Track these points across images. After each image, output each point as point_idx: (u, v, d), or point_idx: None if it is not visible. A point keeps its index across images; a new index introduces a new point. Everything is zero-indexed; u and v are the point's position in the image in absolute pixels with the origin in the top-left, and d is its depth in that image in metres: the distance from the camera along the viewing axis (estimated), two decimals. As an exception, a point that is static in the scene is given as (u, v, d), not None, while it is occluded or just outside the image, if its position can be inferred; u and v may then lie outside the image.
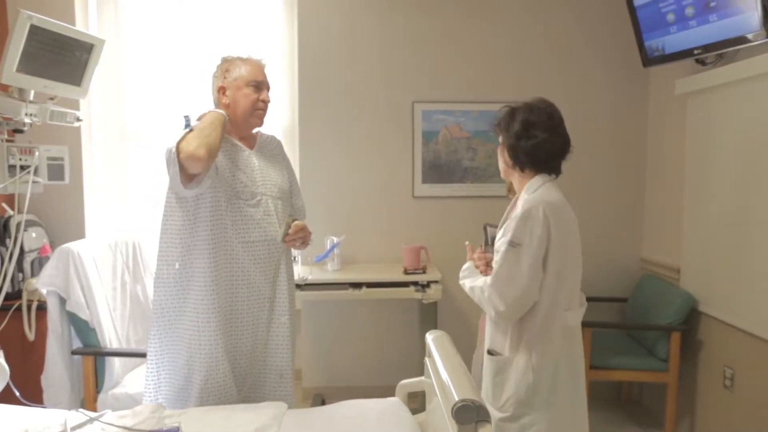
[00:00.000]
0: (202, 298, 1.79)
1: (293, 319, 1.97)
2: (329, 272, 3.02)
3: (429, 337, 1.61)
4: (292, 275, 2.01)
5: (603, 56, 3.28)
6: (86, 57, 2.60)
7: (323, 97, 3.21)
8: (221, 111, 1.81)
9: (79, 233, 3.05)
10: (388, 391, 3.37)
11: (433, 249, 3.15)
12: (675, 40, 2.62)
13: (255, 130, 2.00)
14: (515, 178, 1.69)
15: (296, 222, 1.92)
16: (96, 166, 3.21)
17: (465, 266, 1.73)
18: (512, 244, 1.53)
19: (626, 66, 3.24)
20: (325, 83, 3.21)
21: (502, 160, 1.69)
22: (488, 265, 1.68)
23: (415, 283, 2.90)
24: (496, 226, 1.75)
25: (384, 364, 3.35)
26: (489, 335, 1.69)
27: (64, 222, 3.07)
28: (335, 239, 3.05)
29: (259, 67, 1.91)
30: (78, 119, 2.69)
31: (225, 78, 1.89)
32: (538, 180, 1.62)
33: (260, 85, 1.88)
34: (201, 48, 3.20)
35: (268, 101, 1.91)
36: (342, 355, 3.33)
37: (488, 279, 1.59)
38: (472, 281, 1.66)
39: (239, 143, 1.92)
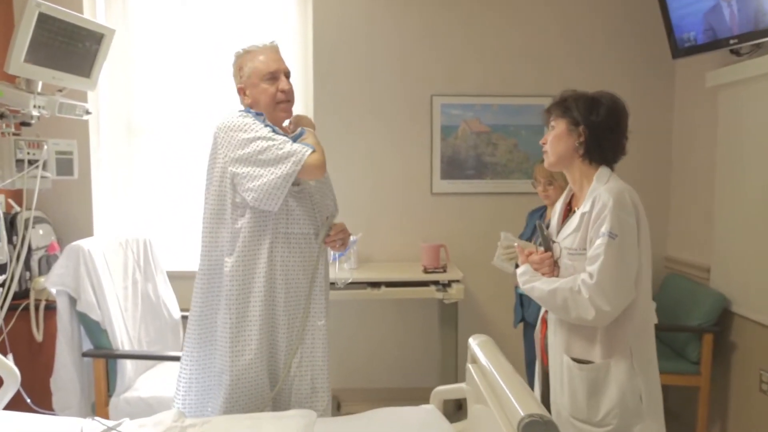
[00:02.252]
0: (240, 290, 1.72)
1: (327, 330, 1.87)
2: (346, 271, 2.92)
3: (473, 342, 1.50)
4: (328, 277, 1.91)
5: (625, 49, 3.17)
6: (96, 47, 2.50)
7: (338, 91, 3.11)
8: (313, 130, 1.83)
9: (87, 231, 2.96)
10: (405, 394, 3.30)
11: (452, 247, 3.05)
12: (709, 29, 2.52)
13: (286, 123, 1.89)
14: (575, 168, 1.56)
15: (338, 222, 1.84)
16: (103, 161, 3.11)
17: (521, 270, 1.59)
18: (612, 235, 1.39)
19: (650, 58, 3.14)
20: (340, 76, 3.11)
21: (564, 147, 1.54)
22: (552, 266, 1.56)
23: (436, 283, 2.80)
24: (548, 225, 1.65)
25: (402, 366, 3.25)
26: (563, 342, 1.54)
27: (72, 219, 2.97)
28: (352, 237, 2.93)
29: (270, 54, 1.78)
30: (87, 112, 2.59)
31: (241, 77, 1.80)
32: (606, 170, 1.53)
33: (275, 75, 1.76)
34: (211, 40, 3.10)
35: (288, 88, 1.78)
36: (358, 356, 3.24)
37: (585, 278, 1.42)
38: (549, 284, 1.49)
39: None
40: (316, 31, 3.08)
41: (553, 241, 1.57)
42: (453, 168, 3.18)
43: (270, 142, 1.65)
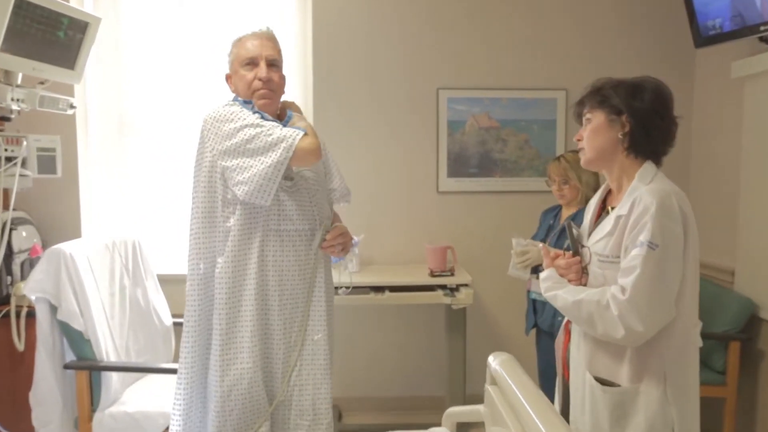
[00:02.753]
0: (229, 293, 1.59)
1: (331, 341, 1.73)
2: (347, 274, 2.76)
3: (494, 361, 1.34)
4: (332, 285, 1.76)
5: (642, 38, 3.00)
6: (80, 37, 2.35)
7: (339, 85, 2.95)
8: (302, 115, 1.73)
9: (74, 232, 2.81)
10: (409, 403, 3.14)
11: (459, 248, 2.89)
12: (737, 16, 2.35)
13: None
14: (615, 165, 1.38)
15: (336, 225, 1.69)
16: (92, 159, 2.96)
17: (545, 274, 1.42)
18: (652, 245, 1.22)
19: (668, 48, 2.98)
20: (341, 69, 2.94)
21: (605, 140, 1.36)
22: (580, 273, 1.39)
23: (443, 287, 2.64)
24: (578, 225, 1.48)
25: (406, 374, 3.09)
26: (586, 357, 1.37)
27: (59, 220, 2.82)
28: (354, 238, 2.77)
29: (252, 40, 1.65)
30: (72, 106, 2.45)
31: (229, 64, 1.71)
32: (651, 167, 1.35)
33: (254, 61, 1.62)
34: (206, 33, 2.94)
35: (265, 76, 1.61)
36: (360, 363, 3.08)
37: (616, 292, 1.24)
38: (574, 293, 1.32)
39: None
40: (315, 22, 2.92)
41: (583, 245, 1.40)
42: (460, 165, 3.01)
43: (257, 129, 1.52)
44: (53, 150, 2.32)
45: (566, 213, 2.29)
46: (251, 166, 1.50)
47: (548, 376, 2.34)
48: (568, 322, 1.46)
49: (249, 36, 1.66)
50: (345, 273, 2.68)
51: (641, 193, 1.29)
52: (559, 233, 2.24)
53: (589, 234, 1.43)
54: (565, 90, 3.00)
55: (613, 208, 1.38)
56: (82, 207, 2.88)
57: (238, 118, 1.54)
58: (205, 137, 1.59)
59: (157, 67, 2.95)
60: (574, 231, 1.42)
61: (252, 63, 1.62)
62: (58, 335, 2.09)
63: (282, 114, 1.73)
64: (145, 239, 2.60)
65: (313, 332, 1.66)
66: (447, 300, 2.57)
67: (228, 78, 1.70)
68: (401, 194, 3.02)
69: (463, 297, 2.56)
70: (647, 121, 1.33)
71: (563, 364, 1.48)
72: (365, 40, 2.95)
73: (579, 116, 1.45)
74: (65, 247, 2.10)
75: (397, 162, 3.01)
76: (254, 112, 1.58)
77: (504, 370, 1.27)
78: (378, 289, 2.63)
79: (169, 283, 2.66)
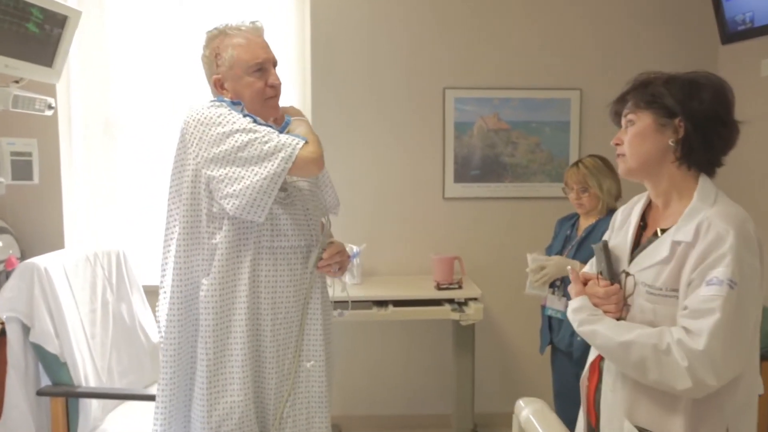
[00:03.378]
0: (217, 318, 1.42)
1: (330, 367, 1.56)
2: (348, 286, 2.57)
3: (524, 409, 1.14)
4: (329, 306, 1.59)
5: (660, 35, 2.82)
6: (58, 32, 2.17)
7: (339, 84, 2.77)
8: (302, 117, 1.57)
9: (56, 242, 2.63)
10: (412, 421, 2.97)
11: (466, 259, 2.71)
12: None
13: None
14: (663, 176, 1.18)
15: (332, 243, 1.53)
16: (76, 163, 2.78)
17: (576, 304, 1.21)
18: (732, 284, 1.02)
19: (688, 45, 2.80)
20: (341, 67, 2.77)
21: (652, 148, 1.16)
22: (621, 304, 1.18)
23: (450, 301, 2.47)
24: (606, 244, 1.28)
25: (409, 391, 2.92)
26: (625, 402, 1.16)
27: (40, 229, 2.65)
28: (355, 248, 2.61)
29: (255, 40, 1.47)
30: (50, 107, 2.26)
31: (218, 65, 1.48)
32: (709, 184, 1.16)
33: (264, 66, 1.46)
34: (198, 27, 2.75)
35: (279, 83, 1.50)
36: (361, 380, 2.90)
37: (684, 338, 1.03)
38: (620, 331, 1.09)
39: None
40: (313, 17, 2.74)
41: (627, 272, 1.20)
42: (468, 170, 2.84)
43: (252, 135, 1.35)
44: (29, 154, 2.15)
45: (585, 223, 2.11)
46: (243, 177, 1.33)
47: (564, 397, 2.16)
48: (598, 359, 1.26)
49: (243, 32, 1.46)
50: (340, 287, 2.50)
51: (710, 217, 1.09)
52: (578, 245, 2.07)
53: (630, 257, 1.22)
54: (579, 90, 2.82)
55: (663, 230, 1.17)
56: (66, 215, 2.70)
57: (228, 122, 1.37)
58: (188, 142, 1.41)
59: (145, 66, 2.77)
60: (610, 253, 1.23)
61: (261, 69, 1.46)
62: (31, 358, 1.92)
63: (279, 119, 1.55)
64: (132, 248, 2.43)
65: (306, 359, 1.50)
66: (455, 315, 2.40)
67: (218, 83, 1.49)
68: (405, 201, 2.84)
69: (473, 312, 2.39)
70: (706, 127, 1.13)
71: (590, 406, 1.28)
72: (366, 36, 2.77)
73: (617, 116, 1.26)
74: (39, 261, 1.93)
75: (401, 166, 2.83)
76: (244, 115, 1.41)
77: (538, 422, 1.08)
78: (381, 303, 2.46)
79: (156, 294, 2.48)
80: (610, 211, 2.06)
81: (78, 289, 2.07)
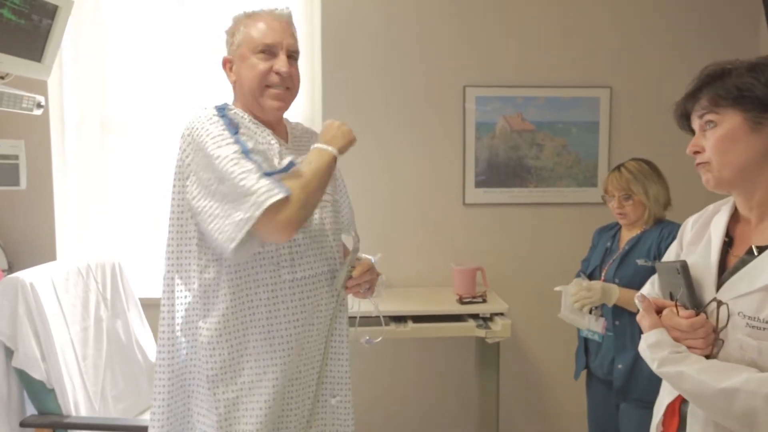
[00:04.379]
0: (224, 370, 1.21)
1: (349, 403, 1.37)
2: (363, 301, 2.38)
3: None
4: (346, 334, 1.37)
5: (694, 26, 2.64)
6: (48, 23, 1.98)
7: (351, 81, 2.59)
8: (329, 149, 1.21)
9: (47, 253, 2.44)
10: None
11: (488, 269, 2.52)
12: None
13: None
14: (759, 185, 0.99)
15: (363, 259, 1.34)
16: (70, 166, 2.59)
17: (653, 338, 1.00)
18: None
19: (726, 34, 2.61)
20: (353, 63, 2.58)
21: (747, 153, 0.97)
22: (711, 339, 0.97)
23: (474, 316, 2.28)
24: (685, 264, 1.07)
25: (427, 414, 2.72)
26: None
27: (29, 239, 2.46)
28: (371, 259, 2.41)
29: (273, 22, 1.28)
30: (39, 105, 2.07)
31: (230, 46, 1.32)
32: None
33: (273, 49, 1.26)
34: (200, 20, 2.57)
35: (286, 71, 1.26)
36: (375, 400, 2.70)
37: None
38: (717, 376, 0.90)
39: (271, 132, 1.31)
40: (324, 9, 2.56)
41: (719, 301, 0.99)
42: (490, 173, 2.65)
43: (233, 167, 1.11)
44: (15, 157, 1.96)
45: (627, 235, 1.91)
46: (217, 216, 1.12)
47: (600, 426, 1.97)
48: (678, 401, 1.05)
49: (265, 14, 1.29)
50: (372, 306, 2.30)
51: None
52: (620, 260, 1.87)
53: (718, 283, 1.01)
54: (609, 88, 2.63)
55: (760, 248, 0.97)
56: (57, 223, 2.51)
57: (220, 142, 1.15)
58: (187, 154, 1.20)
59: (145, 62, 2.59)
60: (690, 276, 1.02)
61: (269, 51, 1.26)
62: (14, 385, 1.73)
63: (279, 128, 1.33)
64: (129, 260, 2.25)
65: (331, 394, 1.32)
66: (481, 333, 2.20)
67: (227, 63, 1.31)
68: (422, 207, 2.65)
69: (500, 329, 2.19)
70: None
71: None
72: (380, 30, 2.58)
73: (686, 118, 1.07)
74: (25, 275, 1.74)
75: (418, 170, 2.64)
76: (233, 134, 1.15)
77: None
78: (399, 318, 2.26)
79: (155, 308, 2.28)
80: (658, 222, 1.86)
81: (68, 306, 1.88)
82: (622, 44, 2.63)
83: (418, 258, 2.65)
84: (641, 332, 1.76)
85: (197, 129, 1.18)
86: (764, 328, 0.91)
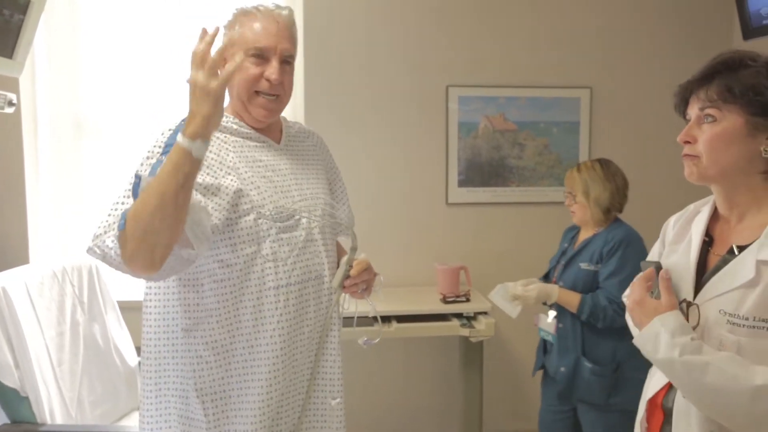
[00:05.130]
0: (206, 377, 1.17)
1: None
2: (347, 301, 2.37)
3: None
4: (338, 335, 1.31)
5: (672, 30, 2.68)
6: (20, 18, 1.91)
7: (334, 81, 2.57)
8: (184, 142, 0.98)
9: (19, 257, 2.37)
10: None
11: (471, 268, 2.52)
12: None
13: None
14: (741, 187, 1.00)
15: (361, 258, 1.27)
16: (43, 167, 2.52)
17: (674, 321, 0.95)
18: None
19: (703, 40, 2.66)
20: (336, 63, 2.56)
21: (738, 155, 0.96)
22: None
23: (458, 315, 2.28)
24: (659, 265, 1.06)
25: (411, 413, 2.71)
26: None
27: (1, 242, 2.38)
28: (380, 277, 2.40)
29: (270, 24, 1.20)
30: (11, 103, 2.01)
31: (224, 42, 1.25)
32: None
33: (265, 54, 1.19)
34: (176, 19, 2.52)
35: (277, 78, 1.19)
36: (359, 400, 2.68)
37: None
38: (750, 373, 0.87)
39: (260, 136, 1.26)
40: (306, 9, 2.53)
41: (688, 302, 0.99)
42: (472, 173, 2.65)
43: (124, 190, 1.10)
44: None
45: (583, 235, 1.92)
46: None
47: (547, 425, 1.98)
48: (661, 395, 1.05)
49: (264, 15, 1.21)
50: (368, 307, 2.27)
51: None
52: (567, 263, 1.89)
53: (697, 281, 1.02)
54: (589, 88, 2.67)
55: (740, 248, 0.98)
56: (31, 226, 2.44)
57: (142, 159, 1.14)
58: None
59: (122, 60, 2.53)
60: (665, 277, 1.01)
61: (261, 56, 1.19)
62: (-14, 393, 1.67)
63: (270, 130, 1.27)
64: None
65: (332, 396, 1.27)
66: (465, 332, 2.21)
67: (222, 62, 1.26)
68: (405, 207, 2.65)
69: (483, 328, 2.21)
70: None
71: None
72: (364, 30, 2.57)
73: (685, 104, 1.04)
74: (-4, 279, 1.68)
75: (401, 170, 2.63)
76: (163, 153, 1.08)
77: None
78: (383, 318, 2.25)
79: (134, 311, 2.23)
80: (616, 222, 1.87)
81: (43, 310, 1.83)
82: (602, 46, 2.67)
83: (401, 258, 2.64)
84: (582, 336, 1.77)
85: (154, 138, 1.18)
86: (743, 325, 0.93)
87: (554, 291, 1.82)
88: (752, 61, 0.97)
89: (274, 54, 1.20)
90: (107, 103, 2.55)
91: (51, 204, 2.54)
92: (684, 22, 2.69)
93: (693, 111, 1.02)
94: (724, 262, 0.99)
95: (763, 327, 0.90)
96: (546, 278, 1.98)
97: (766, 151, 0.95)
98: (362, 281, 1.28)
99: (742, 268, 0.95)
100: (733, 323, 0.93)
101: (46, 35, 2.44)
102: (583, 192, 1.85)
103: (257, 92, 1.20)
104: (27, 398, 1.66)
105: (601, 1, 2.67)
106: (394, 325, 2.22)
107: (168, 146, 1.08)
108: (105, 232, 1.03)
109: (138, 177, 1.03)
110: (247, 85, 1.19)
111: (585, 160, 1.98)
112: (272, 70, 1.19)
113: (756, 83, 0.94)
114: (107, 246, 1.01)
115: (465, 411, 2.39)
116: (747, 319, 0.92)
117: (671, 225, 1.18)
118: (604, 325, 1.73)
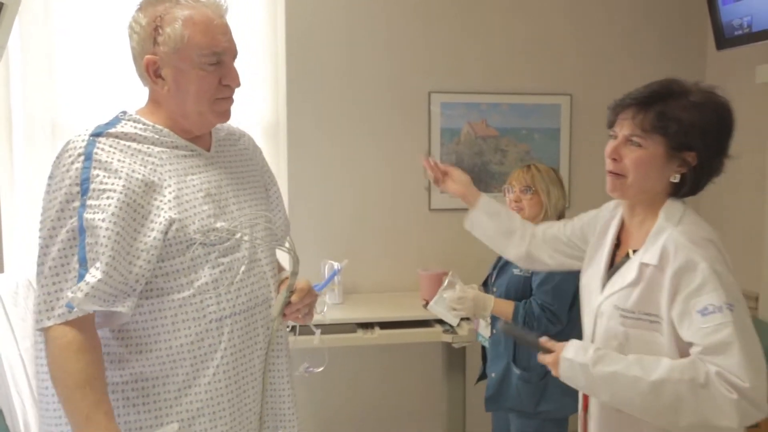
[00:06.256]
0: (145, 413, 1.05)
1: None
2: (329, 307, 2.36)
3: None
4: (286, 367, 1.19)
5: (650, 40, 2.75)
6: (-7, 21, 1.88)
7: (316, 87, 2.56)
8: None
9: (-8, 263, 2.30)
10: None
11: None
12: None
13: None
14: (650, 202, 1.12)
15: (302, 283, 1.18)
16: (17, 171, 2.46)
17: (572, 347, 1.07)
18: (731, 307, 0.98)
19: (678, 50, 2.74)
20: (318, 69, 2.56)
21: (657, 180, 1.09)
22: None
23: (441, 321, 2.28)
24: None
25: (394, 419, 2.71)
26: None
27: (-27, 248, 2.31)
28: (336, 265, 2.39)
29: (215, 21, 1.06)
30: (-18, 108, 1.96)
31: (156, 42, 1.06)
32: (677, 205, 1.11)
33: (223, 58, 1.08)
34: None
35: (238, 83, 1.11)
36: (339, 407, 2.68)
37: (729, 375, 0.95)
38: (648, 369, 0.99)
39: (189, 144, 1.12)
40: (288, 14, 2.52)
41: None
42: (455, 179, 2.67)
43: (51, 238, 1.06)
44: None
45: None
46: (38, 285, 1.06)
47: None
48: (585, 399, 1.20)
49: (203, 9, 1.05)
50: (323, 302, 2.25)
51: (676, 238, 1.03)
52: (501, 267, 1.92)
53: (605, 279, 1.16)
54: (569, 95, 2.71)
55: (635, 251, 1.12)
56: (5, 232, 2.37)
57: (53, 191, 1.05)
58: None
59: (98, 62, 2.48)
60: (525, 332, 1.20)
61: (218, 60, 1.06)
62: (-42, 407, 1.62)
63: (204, 137, 1.14)
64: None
65: (274, 430, 1.17)
66: (447, 338, 2.22)
67: (151, 66, 1.06)
68: (388, 212, 2.65)
69: (466, 334, 2.22)
70: (715, 163, 1.09)
71: None
72: (346, 35, 2.57)
73: (612, 122, 1.14)
74: (-31, 290, 1.63)
75: (383, 175, 2.64)
76: (82, 194, 1.02)
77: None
78: (366, 325, 2.26)
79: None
80: None
81: (18, 320, 1.77)
82: (582, 54, 2.71)
83: (384, 264, 2.65)
84: (515, 343, 1.85)
85: (52, 168, 1.05)
86: (629, 317, 1.06)
87: (489, 303, 1.83)
88: (685, 93, 1.06)
89: (231, 55, 1.10)
90: (83, 106, 2.50)
91: (26, 210, 2.48)
92: (661, 31, 2.75)
93: (621, 131, 1.10)
94: (621, 263, 1.14)
95: (645, 319, 1.06)
96: (485, 284, 2.01)
97: (675, 177, 1.08)
98: (304, 306, 1.19)
99: (631, 270, 1.09)
100: (624, 316, 1.08)
101: (21, 37, 2.39)
102: (546, 191, 1.87)
103: (216, 99, 1.09)
104: (0, 411, 1.62)
105: (580, 10, 2.71)
106: (377, 331, 2.22)
107: (85, 181, 1.00)
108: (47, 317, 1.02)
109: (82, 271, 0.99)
110: (208, 95, 1.08)
111: (536, 163, 1.96)
112: (233, 75, 1.10)
113: (680, 119, 1.04)
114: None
115: (448, 417, 2.40)
116: (633, 312, 1.07)
117: (601, 218, 1.26)
118: (538, 333, 1.75)
